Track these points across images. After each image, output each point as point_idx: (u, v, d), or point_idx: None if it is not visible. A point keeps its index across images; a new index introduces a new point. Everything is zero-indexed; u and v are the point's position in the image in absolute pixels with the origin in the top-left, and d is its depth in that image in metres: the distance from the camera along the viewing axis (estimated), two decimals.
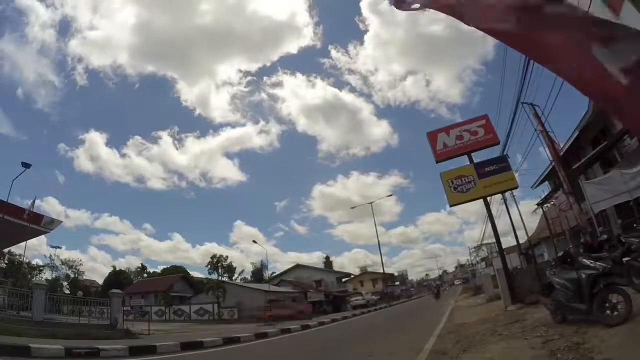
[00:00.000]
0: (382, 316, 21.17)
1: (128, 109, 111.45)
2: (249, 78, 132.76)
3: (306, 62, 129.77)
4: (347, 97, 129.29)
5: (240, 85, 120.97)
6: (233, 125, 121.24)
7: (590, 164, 14.96)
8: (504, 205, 21.60)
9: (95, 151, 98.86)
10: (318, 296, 43.56)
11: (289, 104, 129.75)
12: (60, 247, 42.30)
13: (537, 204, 23.43)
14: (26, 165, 17.22)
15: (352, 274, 67.61)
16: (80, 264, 49.68)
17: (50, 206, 69.32)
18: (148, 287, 43.69)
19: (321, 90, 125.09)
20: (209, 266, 39.98)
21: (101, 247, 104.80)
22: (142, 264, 63.35)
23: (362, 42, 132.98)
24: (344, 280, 61.23)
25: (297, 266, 57.08)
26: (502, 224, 74.88)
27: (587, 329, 5.52)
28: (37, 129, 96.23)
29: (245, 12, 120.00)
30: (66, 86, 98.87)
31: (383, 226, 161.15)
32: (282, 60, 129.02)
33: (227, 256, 60.41)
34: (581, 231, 13.43)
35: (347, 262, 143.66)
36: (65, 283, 45.67)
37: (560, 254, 8.52)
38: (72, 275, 48.04)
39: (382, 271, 52.25)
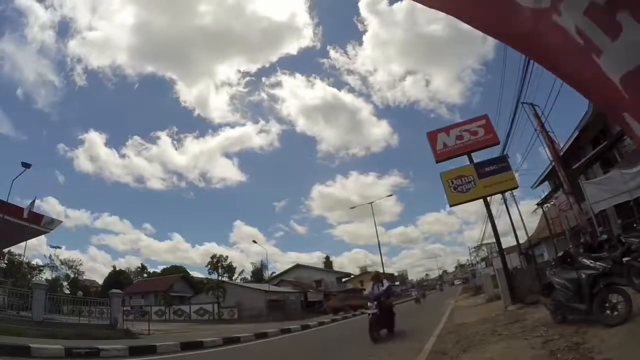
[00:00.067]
0: None
1: (127, 110, 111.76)
2: (248, 78, 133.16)
3: (305, 63, 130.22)
4: (346, 97, 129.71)
5: (240, 86, 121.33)
6: (232, 125, 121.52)
7: (590, 164, 14.97)
8: (504, 205, 21.63)
9: (94, 151, 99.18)
10: (318, 296, 43.54)
11: (288, 104, 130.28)
12: (60, 247, 42.39)
13: (537, 204, 23.46)
14: (26, 165, 17.21)
15: (352, 274, 67.57)
16: (80, 264, 49.76)
17: (50, 206, 69.51)
18: (148, 287, 43.70)
19: (320, 91, 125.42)
20: (209, 266, 40.08)
21: (101, 247, 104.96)
22: (142, 264, 63.47)
23: (361, 43, 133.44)
24: (344, 280, 61.18)
25: (297, 266, 57.07)
26: (502, 224, 75.09)
27: (587, 329, 5.52)
28: (37, 129, 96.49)
29: (244, 13, 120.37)
30: (66, 86, 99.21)
31: (383, 226, 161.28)
32: (281, 60, 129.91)
33: (227, 256, 60.38)
34: (581, 231, 13.44)
35: (347, 262, 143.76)
36: (65, 283, 45.69)
37: (560, 254, 8.53)
38: (72, 275, 48.06)
39: (382, 271, 52.26)
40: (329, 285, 53.21)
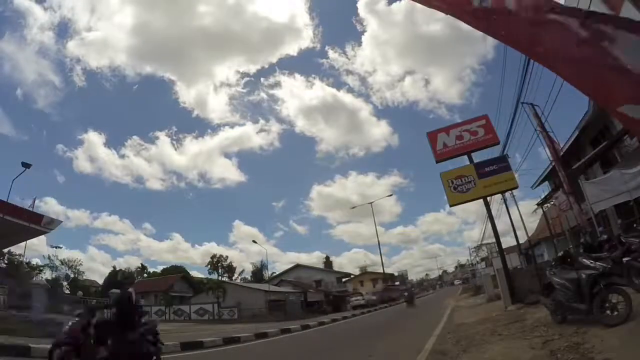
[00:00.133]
0: (382, 316, 21.17)
1: (126, 110, 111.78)
2: (247, 79, 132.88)
3: (304, 63, 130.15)
4: (345, 97, 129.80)
5: (239, 86, 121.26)
6: (231, 125, 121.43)
7: (590, 164, 14.96)
8: (504, 205, 21.61)
9: (94, 151, 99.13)
10: (318, 296, 43.55)
11: (287, 104, 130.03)
12: (60, 247, 42.29)
13: (537, 204, 23.45)
14: (26, 165, 17.25)
15: (352, 274, 67.69)
16: (80, 264, 49.65)
17: (49, 206, 69.44)
18: (148, 287, 43.69)
19: (320, 91, 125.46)
20: (209, 266, 40.18)
21: (101, 247, 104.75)
22: (142, 264, 63.30)
23: (360, 43, 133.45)
24: (344, 280, 61.23)
25: (297, 266, 57.11)
26: (502, 224, 75.09)
27: (587, 329, 5.52)
28: (37, 129, 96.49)
29: (243, 14, 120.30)
30: (65, 87, 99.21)
31: (383, 226, 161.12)
32: (281, 61, 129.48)
33: (227, 256, 60.56)
34: (581, 231, 13.44)
35: (346, 262, 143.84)
36: (65, 283, 45.64)
37: (560, 254, 8.51)
38: (72, 275, 48.00)
39: (382, 271, 52.30)
40: (329, 285, 53.23)
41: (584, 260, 6.47)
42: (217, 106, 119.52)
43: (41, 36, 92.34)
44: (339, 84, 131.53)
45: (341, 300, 45.55)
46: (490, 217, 15.30)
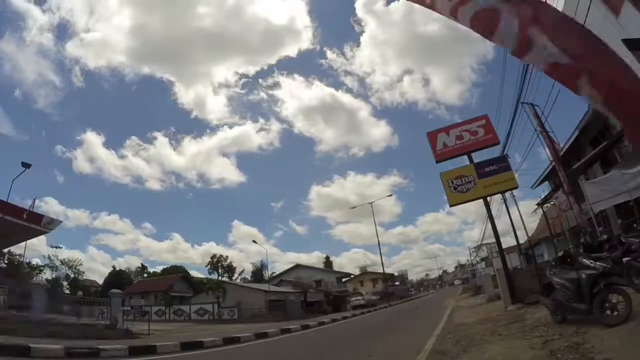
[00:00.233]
0: (382, 316, 21.17)
1: (125, 111, 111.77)
2: (246, 80, 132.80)
3: (303, 64, 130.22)
4: (344, 98, 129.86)
5: (238, 87, 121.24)
6: (230, 125, 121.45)
7: (590, 164, 14.96)
8: (504, 205, 21.63)
9: (93, 152, 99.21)
10: (318, 296, 43.53)
11: (287, 105, 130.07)
12: (60, 247, 42.35)
13: (537, 204, 23.46)
14: (26, 165, 17.25)
15: (352, 274, 67.68)
16: (80, 264, 49.66)
17: (49, 206, 69.49)
18: (148, 287, 43.70)
19: (319, 92, 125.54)
20: (209, 266, 40.19)
21: (101, 247, 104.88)
22: (142, 264, 63.41)
23: (358, 44, 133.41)
24: (344, 280, 61.22)
25: (297, 266, 57.11)
26: (502, 224, 75.08)
27: (587, 329, 5.52)
28: (37, 129, 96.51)
29: (242, 15, 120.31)
30: (65, 87, 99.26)
31: (382, 226, 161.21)
32: (280, 62, 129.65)
33: (227, 256, 60.61)
34: (581, 231, 13.45)
35: (346, 262, 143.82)
36: (65, 283, 45.62)
37: (560, 254, 8.52)
38: (72, 275, 47.99)
39: (382, 271, 52.28)
40: (329, 285, 53.23)
41: (584, 260, 6.47)
42: (216, 107, 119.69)
43: (40, 37, 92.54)
44: (338, 85, 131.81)
45: (341, 300, 45.55)
46: (490, 217, 15.31)
